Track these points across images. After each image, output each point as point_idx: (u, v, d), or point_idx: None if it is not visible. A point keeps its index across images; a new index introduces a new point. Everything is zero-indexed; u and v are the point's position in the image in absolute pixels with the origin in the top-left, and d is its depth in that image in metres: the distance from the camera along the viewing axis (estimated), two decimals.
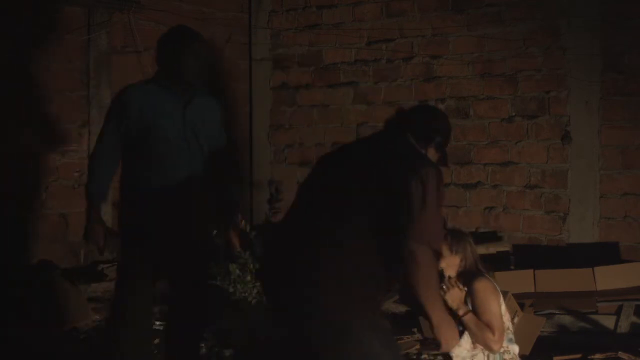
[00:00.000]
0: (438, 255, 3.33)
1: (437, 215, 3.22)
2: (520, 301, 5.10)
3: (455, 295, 3.90)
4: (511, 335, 3.98)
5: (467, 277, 3.95)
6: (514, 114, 6.15)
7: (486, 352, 3.91)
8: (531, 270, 5.53)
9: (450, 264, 3.93)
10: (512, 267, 5.79)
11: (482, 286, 3.92)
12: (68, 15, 6.13)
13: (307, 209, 3.37)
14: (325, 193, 3.33)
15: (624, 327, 5.22)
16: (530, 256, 5.93)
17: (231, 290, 5.32)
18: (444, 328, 3.18)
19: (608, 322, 5.30)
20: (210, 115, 4.53)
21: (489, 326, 3.87)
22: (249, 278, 5.28)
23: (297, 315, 3.21)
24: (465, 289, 3.93)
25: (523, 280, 5.43)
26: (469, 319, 3.87)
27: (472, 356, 3.92)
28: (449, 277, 3.91)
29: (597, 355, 4.79)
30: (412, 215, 3.12)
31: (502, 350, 3.93)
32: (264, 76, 7.34)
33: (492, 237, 6.11)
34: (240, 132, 7.23)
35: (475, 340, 3.89)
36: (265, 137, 7.33)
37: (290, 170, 7.22)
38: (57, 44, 6.06)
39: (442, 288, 3.83)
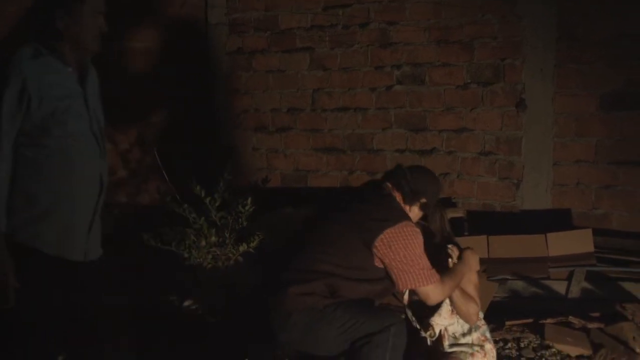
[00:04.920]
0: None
1: (420, 258, 3.72)
2: None
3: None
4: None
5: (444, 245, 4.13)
6: (469, 81, 6.16)
7: (460, 322, 4.00)
8: (485, 236, 5.59)
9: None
10: (466, 233, 5.83)
11: (474, 259, 4.09)
12: None
13: (306, 248, 3.81)
14: (321, 239, 3.79)
15: (574, 292, 5.30)
16: (484, 222, 5.98)
17: (186, 255, 5.28)
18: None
19: (559, 287, 5.37)
20: (97, 93, 3.53)
21: (473, 298, 3.99)
22: (203, 243, 5.25)
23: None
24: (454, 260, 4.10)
25: (477, 245, 5.45)
26: (457, 291, 3.96)
27: (449, 325, 4.01)
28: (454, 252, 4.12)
29: (549, 320, 4.87)
30: (400, 271, 3.68)
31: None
32: (220, 41, 7.26)
33: (446, 203, 6.14)
34: (197, 98, 7.16)
35: (457, 311, 3.99)
36: (222, 102, 7.27)
37: (246, 135, 7.19)
38: None
39: (449, 260, 4.08)
